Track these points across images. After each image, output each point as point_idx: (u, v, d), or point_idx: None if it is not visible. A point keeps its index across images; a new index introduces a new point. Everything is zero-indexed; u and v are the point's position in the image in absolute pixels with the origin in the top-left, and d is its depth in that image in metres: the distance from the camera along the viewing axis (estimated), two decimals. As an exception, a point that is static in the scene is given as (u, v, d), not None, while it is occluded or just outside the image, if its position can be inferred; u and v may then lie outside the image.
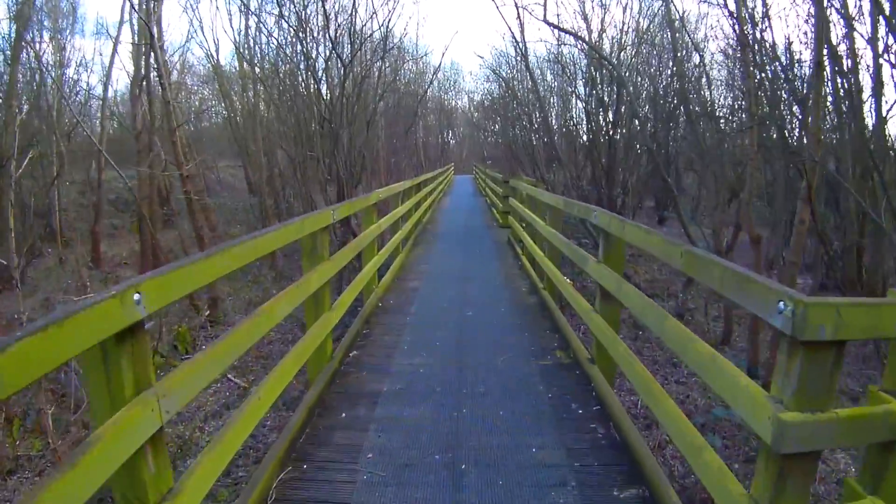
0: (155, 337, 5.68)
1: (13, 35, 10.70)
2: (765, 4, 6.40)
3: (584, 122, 11.57)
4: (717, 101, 11.51)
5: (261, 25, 11.31)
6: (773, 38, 9.76)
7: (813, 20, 4.97)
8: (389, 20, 11.96)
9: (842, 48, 5.69)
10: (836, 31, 5.58)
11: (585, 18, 10.82)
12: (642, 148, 10.95)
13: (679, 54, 8.23)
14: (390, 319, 4.70)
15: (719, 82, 11.39)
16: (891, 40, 4.61)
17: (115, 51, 12.58)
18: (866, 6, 5.21)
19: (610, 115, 10.29)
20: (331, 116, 8.55)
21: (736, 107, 10.28)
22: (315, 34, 9.31)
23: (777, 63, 5.44)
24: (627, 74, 10.28)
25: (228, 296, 8.67)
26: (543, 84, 13.70)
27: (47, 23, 13.20)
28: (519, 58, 12.66)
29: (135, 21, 11.62)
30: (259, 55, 12.17)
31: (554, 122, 13.71)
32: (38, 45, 12.27)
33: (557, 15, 21.34)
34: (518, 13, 10.51)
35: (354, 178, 9.00)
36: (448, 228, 11.63)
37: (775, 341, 4.99)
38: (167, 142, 8.87)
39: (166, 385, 1.57)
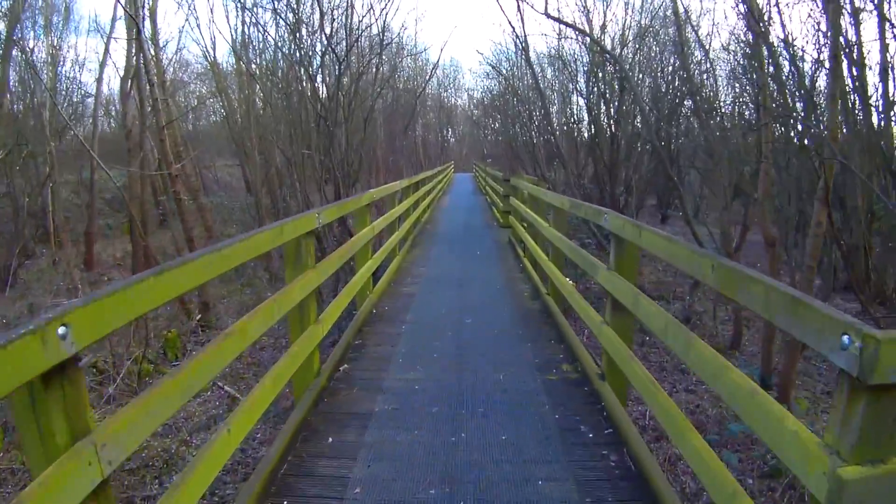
0: (141, 343, 5.47)
1: (3, 33, 10.48)
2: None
3: (586, 119, 11.34)
4: (722, 98, 11.25)
5: (256, 21, 11.05)
6: (783, 30, 9.50)
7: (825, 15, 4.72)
8: (387, 14, 11.70)
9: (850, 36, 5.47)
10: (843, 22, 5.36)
11: (587, 14, 10.59)
12: (645, 145, 10.71)
13: (684, 49, 7.97)
14: (385, 328, 4.45)
15: (722, 79, 11.13)
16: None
17: (107, 47, 12.37)
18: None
19: (612, 111, 10.05)
20: (326, 114, 8.31)
21: (740, 102, 10.01)
22: (311, 29, 9.07)
23: (792, 52, 5.18)
24: (629, 70, 10.02)
25: (222, 298, 8.44)
26: (544, 80, 13.45)
27: (40, 20, 12.98)
28: (519, 52, 12.42)
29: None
30: (255, 51, 11.95)
31: (555, 119, 13.46)
32: (30, 43, 12.05)
33: (558, 9, 21.08)
34: (518, 6, 10.24)
35: (351, 177, 8.78)
36: (447, 228, 11.39)
37: (790, 348, 4.75)
38: (157, 140, 8.63)
39: (109, 430, 1.33)
